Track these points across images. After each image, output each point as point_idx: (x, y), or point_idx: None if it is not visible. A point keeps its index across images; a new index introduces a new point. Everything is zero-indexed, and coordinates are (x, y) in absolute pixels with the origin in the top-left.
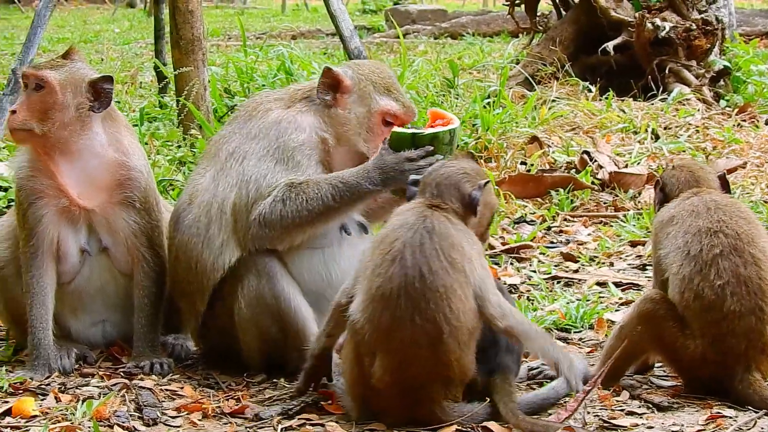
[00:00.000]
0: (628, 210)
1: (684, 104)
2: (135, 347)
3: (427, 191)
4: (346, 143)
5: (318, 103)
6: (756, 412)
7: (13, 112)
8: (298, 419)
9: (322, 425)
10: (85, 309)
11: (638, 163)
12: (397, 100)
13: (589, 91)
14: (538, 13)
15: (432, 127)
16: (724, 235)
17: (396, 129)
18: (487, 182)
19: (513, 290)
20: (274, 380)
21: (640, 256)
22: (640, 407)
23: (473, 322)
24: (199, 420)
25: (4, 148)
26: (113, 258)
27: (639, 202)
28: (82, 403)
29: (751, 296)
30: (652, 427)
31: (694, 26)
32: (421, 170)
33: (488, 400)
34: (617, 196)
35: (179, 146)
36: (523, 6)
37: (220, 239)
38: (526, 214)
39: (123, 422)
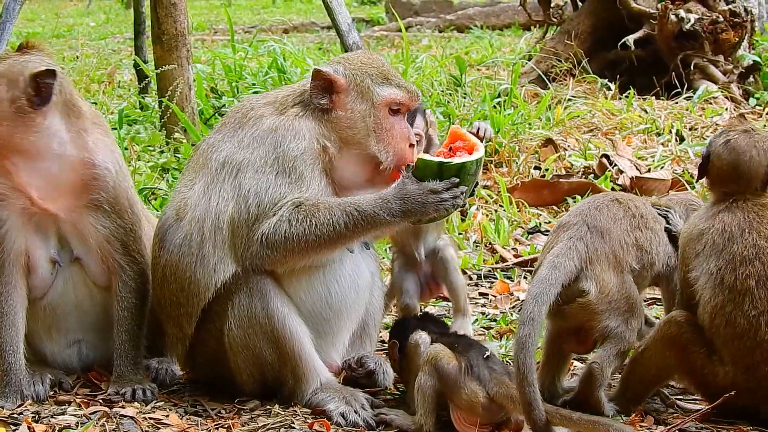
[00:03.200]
0: None
1: (711, 103)
2: (115, 368)
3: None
4: (355, 146)
5: (314, 108)
6: None
7: None
8: None
9: None
10: (59, 328)
11: (662, 167)
12: (399, 86)
13: (608, 89)
14: (552, 4)
15: (451, 148)
16: (761, 262)
17: (422, 156)
18: None
19: None
20: (268, 407)
21: None
22: None
23: None
24: None
25: None
26: (87, 269)
27: None
28: None
29: None
30: None
31: (721, 18)
32: (443, 203)
33: None
34: None
35: (162, 151)
36: None
37: (215, 257)
38: (540, 224)
39: None
